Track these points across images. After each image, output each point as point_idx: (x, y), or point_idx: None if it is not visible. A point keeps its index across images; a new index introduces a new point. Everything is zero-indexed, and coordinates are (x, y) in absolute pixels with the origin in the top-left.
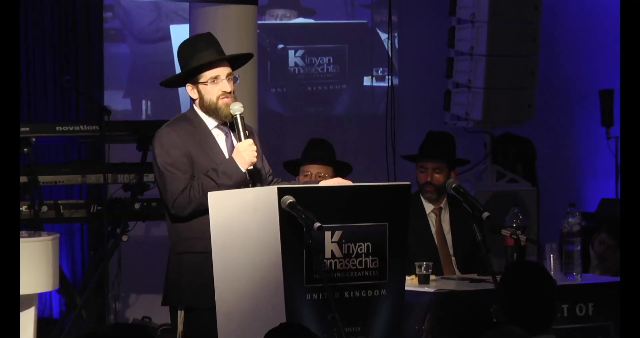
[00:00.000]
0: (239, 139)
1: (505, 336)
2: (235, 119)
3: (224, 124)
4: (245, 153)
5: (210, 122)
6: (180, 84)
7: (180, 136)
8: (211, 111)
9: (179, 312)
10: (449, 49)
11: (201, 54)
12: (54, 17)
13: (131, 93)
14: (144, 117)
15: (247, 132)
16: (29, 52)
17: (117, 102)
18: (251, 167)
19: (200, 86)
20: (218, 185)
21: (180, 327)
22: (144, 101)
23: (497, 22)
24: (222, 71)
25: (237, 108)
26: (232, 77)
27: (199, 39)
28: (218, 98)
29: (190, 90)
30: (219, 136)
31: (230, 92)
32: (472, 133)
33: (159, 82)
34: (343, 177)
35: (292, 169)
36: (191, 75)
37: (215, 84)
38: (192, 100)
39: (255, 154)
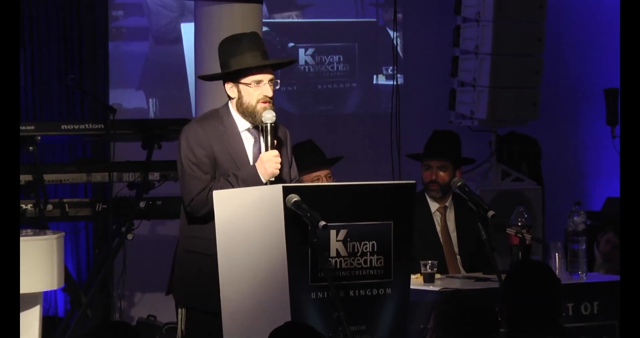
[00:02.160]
0: (266, 149)
1: None
2: (266, 128)
3: (255, 127)
4: (267, 164)
5: (242, 124)
6: (218, 79)
7: (207, 134)
8: (248, 113)
9: (180, 309)
10: (454, 48)
11: (246, 54)
12: (58, 16)
13: (142, 92)
14: (154, 115)
15: (275, 142)
16: (34, 50)
17: (128, 100)
18: (272, 179)
19: (242, 87)
20: None
21: (181, 325)
22: (154, 100)
23: (502, 21)
24: (266, 76)
25: (269, 117)
26: (273, 82)
27: (244, 38)
28: (258, 102)
29: (229, 88)
30: (247, 140)
31: (271, 98)
32: (477, 131)
33: (198, 76)
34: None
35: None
36: (232, 74)
37: (258, 88)
38: (229, 98)
39: (279, 166)
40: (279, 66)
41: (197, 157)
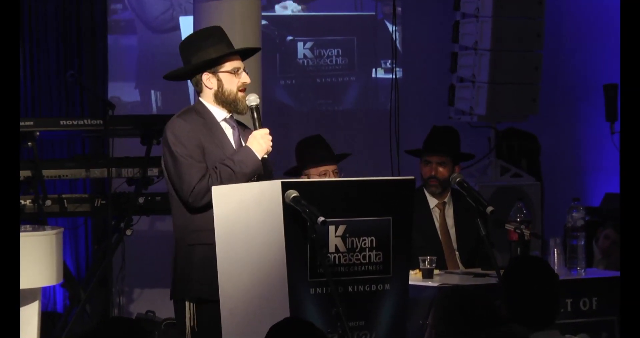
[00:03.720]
0: (255, 128)
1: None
2: (252, 110)
3: (231, 117)
4: (262, 140)
5: (219, 115)
6: (187, 77)
7: (192, 126)
8: (229, 101)
9: (188, 304)
10: (454, 44)
11: (218, 46)
12: (57, 11)
13: (141, 85)
14: (154, 109)
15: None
16: (33, 46)
17: (126, 94)
18: (266, 156)
19: (222, 75)
20: (235, 173)
21: (189, 320)
22: (153, 93)
23: (502, 17)
24: (241, 64)
25: (253, 99)
26: (246, 71)
27: (212, 32)
28: (239, 89)
29: (206, 79)
30: (227, 130)
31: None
32: (476, 127)
33: (163, 76)
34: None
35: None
36: (210, 65)
37: (238, 75)
38: (199, 92)
39: (271, 143)
40: (250, 52)
41: (189, 148)
